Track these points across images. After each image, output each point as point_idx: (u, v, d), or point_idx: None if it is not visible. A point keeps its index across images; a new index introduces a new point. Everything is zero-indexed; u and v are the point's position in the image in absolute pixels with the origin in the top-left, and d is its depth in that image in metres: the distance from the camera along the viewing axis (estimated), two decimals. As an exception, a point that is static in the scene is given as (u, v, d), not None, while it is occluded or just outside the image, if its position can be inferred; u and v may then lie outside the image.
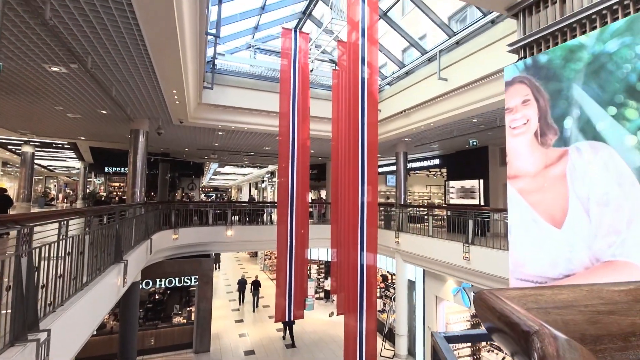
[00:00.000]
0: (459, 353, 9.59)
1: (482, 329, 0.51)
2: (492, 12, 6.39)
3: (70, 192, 30.74)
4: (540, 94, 3.60)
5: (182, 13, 4.36)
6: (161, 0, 3.68)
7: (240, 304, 15.67)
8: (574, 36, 3.44)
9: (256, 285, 15.43)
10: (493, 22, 6.68)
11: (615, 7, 3.18)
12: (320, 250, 16.47)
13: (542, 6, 3.89)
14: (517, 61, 4.07)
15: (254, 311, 15.05)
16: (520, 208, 3.76)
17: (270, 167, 24.49)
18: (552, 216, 3.45)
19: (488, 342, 8.42)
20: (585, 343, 0.46)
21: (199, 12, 5.15)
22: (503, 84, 4.06)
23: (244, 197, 39.33)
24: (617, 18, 3.14)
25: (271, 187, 27.51)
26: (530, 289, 0.56)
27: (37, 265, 2.71)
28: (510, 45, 4.20)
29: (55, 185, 33.57)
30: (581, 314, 0.49)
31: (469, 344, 9.47)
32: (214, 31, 7.03)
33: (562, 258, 3.30)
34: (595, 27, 3.29)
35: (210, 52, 8.20)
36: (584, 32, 3.36)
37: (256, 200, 27.94)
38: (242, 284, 15.86)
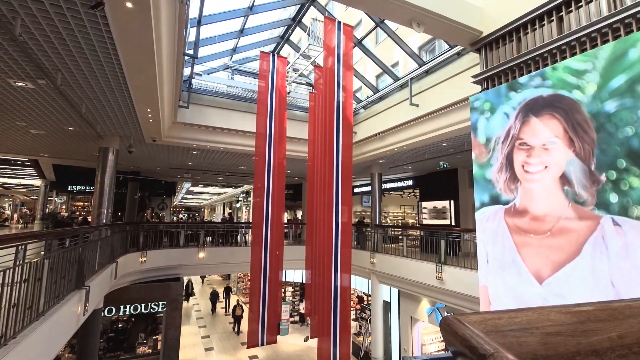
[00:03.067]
0: (434, 375, 9.58)
1: (449, 353, 0.56)
2: (457, 45, 6.89)
3: (27, 211, 28.65)
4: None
5: (161, 34, 4.37)
6: (139, 22, 3.69)
7: (212, 313, 18.15)
8: (529, 71, 3.78)
9: (228, 291, 18.97)
10: (459, 54, 7.19)
11: (563, 48, 3.54)
12: (295, 272, 16.18)
13: (502, 43, 4.26)
14: (480, 91, 4.38)
15: (225, 313, 17.82)
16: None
17: (246, 187, 24.17)
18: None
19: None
20: (537, 363, 0.52)
21: (177, 33, 5.18)
22: (469, 111, 4.33)
23: (218, 217, 38.31)
24: (565, 57, 3.49)
25: (246, 207, 27.03)
26: (490, 313, 0.61)
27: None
28: (474, 76, 4.52)
29: (10, 205, 31.21)
30: (533, 336, 0.55)
31: (444, 365, 9.48)
32: (191, 52, 7.06)
33: None
34: (547, 65, 3.64)
35: (187, 71, 8.19)
36: (537, 68, 3.71)
37: (230, 220, 27.22)
38: (214, 295, 18.47)
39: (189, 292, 20.10)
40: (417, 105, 8.01)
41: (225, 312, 17.96)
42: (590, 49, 3.28)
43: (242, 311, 15.17)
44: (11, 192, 28.72)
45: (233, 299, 18.49)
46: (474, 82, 4.61)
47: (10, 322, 2.85)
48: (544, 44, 3.66)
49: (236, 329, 14.96)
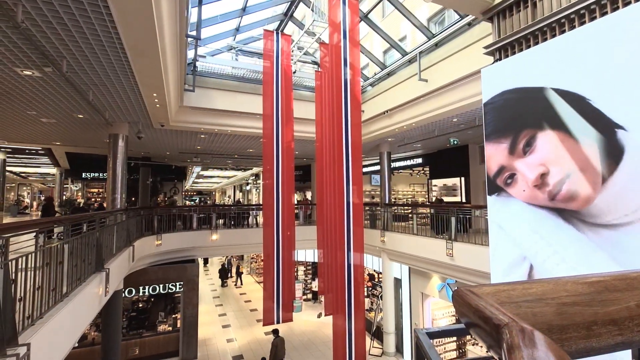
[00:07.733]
0: (445, 348, 9.81)
1: (462, 325, 0.55)
2: (468, 15, 6.58)
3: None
4: None
5: (162, 15, 4.29)
6: (140, 3, 3.62)
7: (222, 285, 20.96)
8: (545, 39, 3.59)
9: (229, 260, 23.22)
10: (470, 24, 6.88)
11: (582, 12, 3.34)
12: (307, 252, 16.47)
13: (515, 10, 4.05)
14: (492, 63, 4.21)
15: (230, 275, 21.47)
16: None
17: (255, 170, 24.29)
18: None
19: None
20: (552, 333, 0.51)
21: (179, 14, 5.08)
22: (480, 84, 4.19)
23: (229, 201, 38.84)
24: (584, 22, 3.30)
25: (256, 190, 27.29)
26: (503, 284, 0.60)
27: (14, 277, 2.61)
28: (486, 47, 4.34)
29: (29, 193, 32.21)
30: (548, 306, 0.54)
31: (455, 338, 9.69)
32: (194, 33, 6.93)
33: None
34: (564, 31, 3.45)
35: (190, 54, 8.08)
36: (554, 36, 3.52)
37: (241, 203, 27.65)
38: (223, 266, 21.70)
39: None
40: (426, 81, 7.78)
41: (230, 275, 21.81)
42: (611, 12, 3.08)
43: (243, 269, 21.39)
44: (29, 180, 29.56)
45: (235, 265, 23.02)
46: (485, 54, 4.43)
47: (36, 303, 2.99)
48: (562, 9, 3.45)
49: (239, 283, 20.04)
